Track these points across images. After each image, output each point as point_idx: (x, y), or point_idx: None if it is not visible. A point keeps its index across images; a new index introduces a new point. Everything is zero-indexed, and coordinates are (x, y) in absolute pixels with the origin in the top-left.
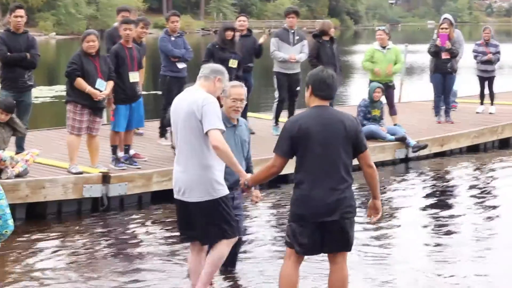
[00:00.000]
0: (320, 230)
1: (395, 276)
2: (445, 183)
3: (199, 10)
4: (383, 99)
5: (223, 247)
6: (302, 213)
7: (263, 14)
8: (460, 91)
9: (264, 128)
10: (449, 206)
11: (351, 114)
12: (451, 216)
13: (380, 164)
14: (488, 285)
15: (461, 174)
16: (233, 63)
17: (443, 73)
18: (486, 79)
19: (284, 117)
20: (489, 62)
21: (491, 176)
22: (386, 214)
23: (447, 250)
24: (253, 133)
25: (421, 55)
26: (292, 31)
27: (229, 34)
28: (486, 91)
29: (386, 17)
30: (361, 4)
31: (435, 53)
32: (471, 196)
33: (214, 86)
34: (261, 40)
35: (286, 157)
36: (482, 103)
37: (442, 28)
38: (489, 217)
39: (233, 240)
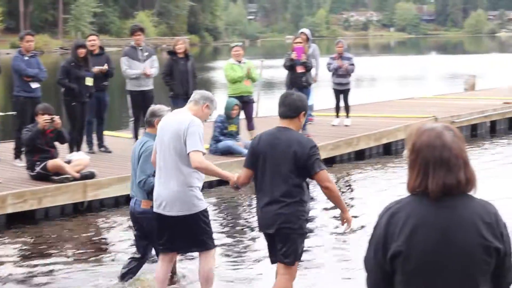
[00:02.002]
0: (269, 240)
1: None
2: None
3: (57, 29)
4: (241, 114)
5: (209, 259)
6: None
7: (122, 32)
8: (316, 104)
9: (123, 147)
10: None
11: (307, 137)
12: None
13: None
14: None
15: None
16: (89, 81)
17: (298, 87)
18: (341, 92)
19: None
20: (344, 75)
21: (349, 186)
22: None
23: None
24: (110, 151)
25: (278, 70)
26: (140, 48)
27: (81, 51)
28: (342, 103)
29: (246, 32)
30: (220, 21)
31: (290, 67)
32: (332, 207)
33: (202, 111)
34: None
35: (250, 168)
36: (337, 116)
37: (296, 42)
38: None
39: (214, 251)
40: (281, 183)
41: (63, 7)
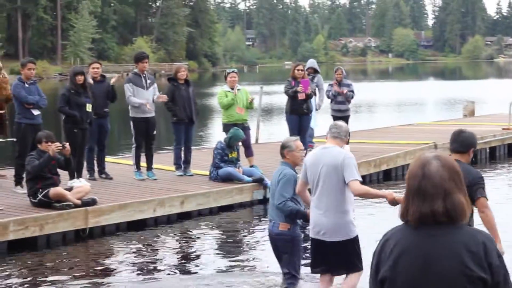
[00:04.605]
0: None
1: None
2: (302, 223)
3: (56, 55)
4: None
5: (355, 279)
6: None
7: (121, 58)
8: (316, 130)
9: (123, 173)
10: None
11: (476, 170)
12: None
13: (239, 206)
14: None
15: None
16: (89, 107)
17: (299, 114)
18: (340, 119)
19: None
20: (343, 102)
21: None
22: (251, 256)
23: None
24: (111, 178)
25: (277, 96)
26: (144, 75)
27: (80, 78)
28: None
29: (244, 58)
30: (219, 47)
31: (293, 95)
32: None
33: (344, 143)
34: (112, 80)
35: None
36: None
37: (298, 70)
38: None
39: (361, 272)
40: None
41: (62, 33)
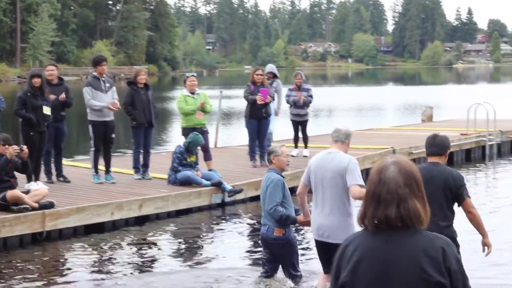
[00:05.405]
0: None
1: None
2: (260, 226)
3: (15, 57)
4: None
5: None
6: None
7: (80, 61)
8: (275, 135)
9: (81, 176)
10: None
11: (458, 172)
12: None
13: (197, 210)
14: None
15: None
16: (47, 110)
17: (258, 119)
18: (299, 123)
19: (101, 165)
20: (302, 106)
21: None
22: (207, 257)
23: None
24: (69, 181)
25: (237, 100)
26: (103, 78)
27: (36, 81)
28: (300, 134)
29: (204, 62)
30: (179, 50)
31: (251, 102)
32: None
33: (348, 147)
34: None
35: None
36: (296, 147)
37: (258, 75)
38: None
39: None
40: (435, 206)
41: (21, 36)
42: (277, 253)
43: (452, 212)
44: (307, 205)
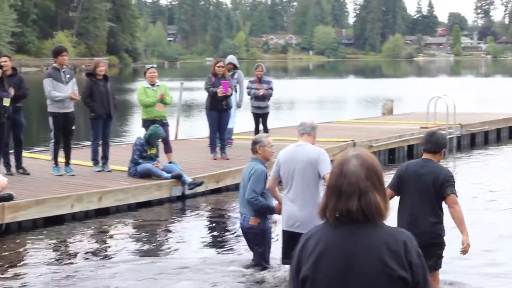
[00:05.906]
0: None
1: None
2: (220, 219)
3: None
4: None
5: None
6: None
7: (41, 52)
8: (235, 127)
9: (41, 168)
10: (226, 242)
11: (447, 169)
12: (231, 250)
13: (157, 203)
14: None
15: (232, 208)
16: (6, 101)
17: (219, 111)
18: (260, 116)
19: (61, 157)
20: (263, 98)
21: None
22: (167, 249)
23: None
24: (28, 173)
25: (198, 92)
26: (63, 70)
27: None
28: (261, 127)
29: (165, 54)
30: (140, 42)
31: (212, 94)
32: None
33: (314, 139)
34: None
35: (393, 190)
36: None
37: (219, 67)
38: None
39: None
40: (426, 203)
41: None
42: (252, 242)
43: (442, 210)
44: (279, 195)
